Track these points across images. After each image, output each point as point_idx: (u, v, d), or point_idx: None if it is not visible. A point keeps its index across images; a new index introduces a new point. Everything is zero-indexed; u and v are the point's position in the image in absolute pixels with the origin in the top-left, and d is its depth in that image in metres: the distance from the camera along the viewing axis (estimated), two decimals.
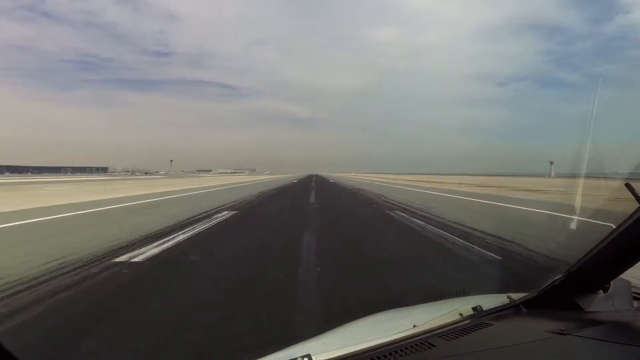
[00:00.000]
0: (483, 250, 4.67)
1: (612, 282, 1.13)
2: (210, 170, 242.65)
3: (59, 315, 2.57)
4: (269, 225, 7.61)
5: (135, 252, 4.41)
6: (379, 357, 0.90)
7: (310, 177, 62.26)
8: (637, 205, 0.95)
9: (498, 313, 1.21)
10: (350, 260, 4.34)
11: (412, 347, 0.96)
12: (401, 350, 0.94)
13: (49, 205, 10.30)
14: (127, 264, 3.94)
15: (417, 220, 7.56)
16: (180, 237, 5.56)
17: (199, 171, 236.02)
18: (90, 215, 8.45)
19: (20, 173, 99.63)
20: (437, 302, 1.51)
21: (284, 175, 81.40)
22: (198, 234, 5.96)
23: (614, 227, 1.01)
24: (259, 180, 43.03)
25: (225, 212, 8.84)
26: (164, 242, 5.07)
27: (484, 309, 1.22)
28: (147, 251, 4.51)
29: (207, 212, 8.95)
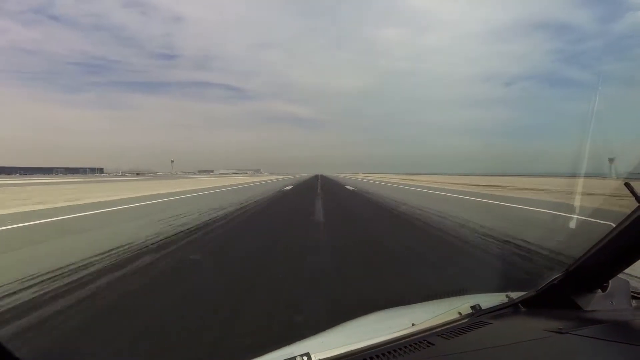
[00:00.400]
0: None
1: (610, 281, 1.14)
2: (212, 171, 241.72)
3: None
4: None
5: None
6: (377, 356, 0.90)
7: (315, 177, 55.90)
8: (637, 204, 0.95)
9: (497, 312, 1.22)
10: None
11: (411, 345, 0.96)
12: (400, 348, 0.94)
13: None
14: None
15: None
16: None
17: (200, 172, 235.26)
18: None
19: (8, 175, 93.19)
20: (436, 300, 1.51)
21: (285, 176, 73.81)
22: None
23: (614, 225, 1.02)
24: (256, 182, 36.19)
25: None
26: None
27: (483, 308, 1.22)
28: None
29: None
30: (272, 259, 4.23)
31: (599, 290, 1.14)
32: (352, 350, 0.93)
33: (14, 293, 2.86)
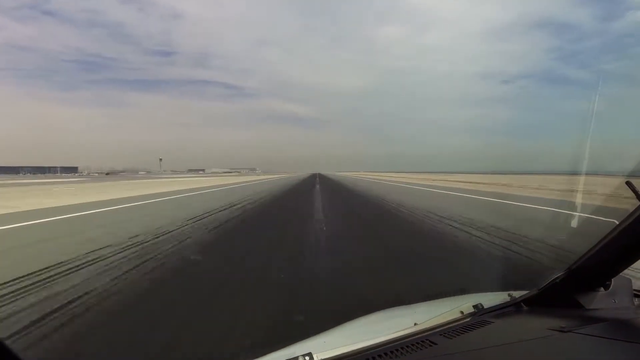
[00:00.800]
0: None
1: (613, 280, 1.14)
2: (203, 170, 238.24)
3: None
4: None
5: None
6: (380, 355, 0.90)
7: (313, 177, 51.36)
8: (638, 203, 0.95)
9: (499, 311, 1.22)
10: None
11: (413, 345, 0.96)
12: (402, 348, 0.94)
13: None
14: None
15: None
16: None
17: (190, 171, 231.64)
18: None
19: None
20: (438, 300, 1.51)
21: (278, 176, 67.29)
22: None
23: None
24: (236, 183, 29.83)
25: None
26: None
27: (485, 307, 1.22)
28: None
29: None
30: None
31: (602, 289, 1.14)
32: (354, 350, 0.93)
33: None
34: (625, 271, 1.14)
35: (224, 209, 9.75)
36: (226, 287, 3.31)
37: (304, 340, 1.07)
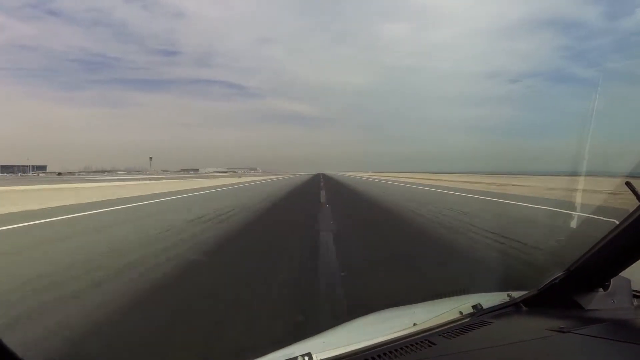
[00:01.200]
0: None
1: (612, 280, 1.14)
2: (197, 170, 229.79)
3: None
4: None
5: None
6: (379, 356, 0.91)
7: (316, 180, 36.86)
8: (638, 203, 0.95)
9: (498, 311, 1.22)
10: None
11: (412, 345, 0.96)
12: (401, 348, 0.94)
13: None
14: None
15: None
16: None
17: (183, 170, 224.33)
18: None
19: None
20: (437, 300, 1.51)
21: (273, 177, 53.29)
22: None
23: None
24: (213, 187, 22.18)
25: None
26: None
27: (484, 307, 1.22)
28: None
29: None
30: None
31: (601, 289, 1.14)
32: (353, 350, 0.93)
33: None
34: (625, 272, 1.14)
35: None
36: None
37: (303, 341, 1.07)
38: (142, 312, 2.70)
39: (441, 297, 1.51)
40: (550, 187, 16.91)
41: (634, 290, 1.17)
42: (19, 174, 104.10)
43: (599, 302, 1.12)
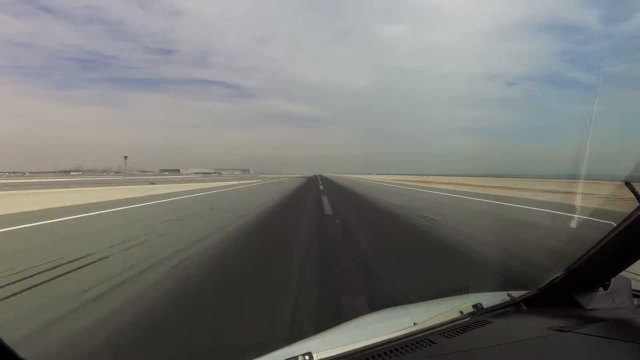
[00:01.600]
0: None
1: (612, 280, 1.14)
2: (178, 170, 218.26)
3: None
4: None
5: None
6: (379, 355, 0.90)
7: (315, 180, 35.65)
8: (637, 203, 0.96)
9: (498, 311, 1.22)
10: None
11: (412, 344, 0.96)
12: (402, 347, 0.94)
13: None
14: None
15: None
16: None
17: (163, 171, 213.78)
18: None
19: None
20: (438, 299, 1.51)
21: (261, 181, 38.07)
22: None
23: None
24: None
25: None
26: None
27: (484, 307, 1.22)
28: None
29: None
30: None
31: (601, 289, 1.14)
32: (353, 350, 0.93)
33: None
34: (625, 271, 1.14)
35: None
36: None
37: (304, 340, 1.07)
38: None
39: (441, 297, 1.52)
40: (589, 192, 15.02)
41: (634, 290, 1.18)
42: None
43: (599, 301, 1.13)
